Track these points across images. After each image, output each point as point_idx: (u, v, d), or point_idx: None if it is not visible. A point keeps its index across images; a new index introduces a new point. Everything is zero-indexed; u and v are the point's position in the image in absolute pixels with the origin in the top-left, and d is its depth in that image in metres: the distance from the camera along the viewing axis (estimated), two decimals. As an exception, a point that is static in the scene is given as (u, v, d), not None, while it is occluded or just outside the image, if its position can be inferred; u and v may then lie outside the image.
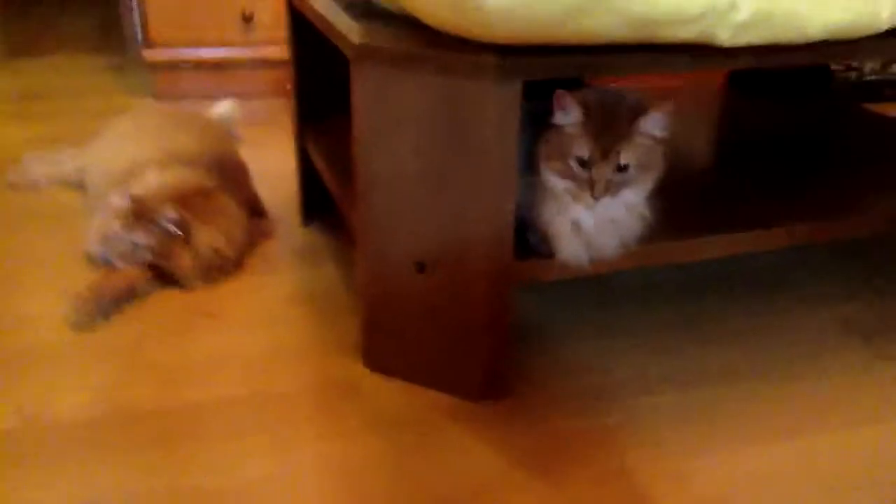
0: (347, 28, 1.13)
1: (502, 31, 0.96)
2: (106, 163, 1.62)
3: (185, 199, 1.47)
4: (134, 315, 1.41)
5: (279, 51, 2.49)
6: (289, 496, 1.04)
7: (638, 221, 1.15)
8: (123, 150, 1.61)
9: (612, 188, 1.06)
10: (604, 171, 1.05)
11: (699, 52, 1.06)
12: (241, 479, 1.06)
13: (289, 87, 2.46)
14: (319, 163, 1.56)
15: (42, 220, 1.72)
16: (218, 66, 2.50)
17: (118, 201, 1.45)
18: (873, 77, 2.59)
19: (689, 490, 1.06)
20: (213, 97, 2.49)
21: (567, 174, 1.08)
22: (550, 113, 1.09)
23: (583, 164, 1.07)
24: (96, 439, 1.12)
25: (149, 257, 1.46)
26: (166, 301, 1.46)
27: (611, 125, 1.06)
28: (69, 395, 1.20)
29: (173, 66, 2.47)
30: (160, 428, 1.15)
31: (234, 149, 1.73)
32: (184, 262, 1.47)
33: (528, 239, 1.18)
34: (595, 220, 1.13)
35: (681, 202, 1.31)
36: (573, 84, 1.12)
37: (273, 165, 1.98)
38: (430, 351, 1.22)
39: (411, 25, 1.11)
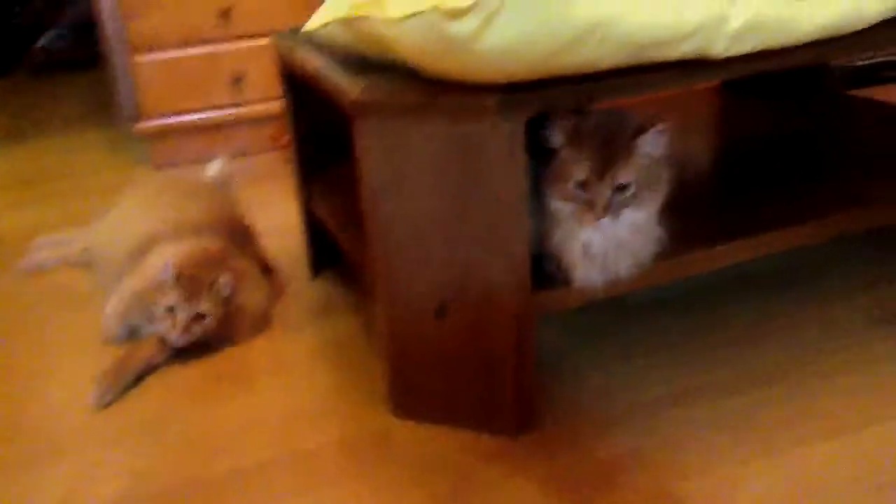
0: (345, 84, 1.14)
1: (497, 71, 0.97)
2: (114, 241, 1.63)
3: (215, 265, 1.48)
4: (156, 389, 1.41)
5: (270, 107, 2.52)
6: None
7: (650, 240, 1.15)
8: (131, 226, 1.62)
9: (612, 208, 1.07)
10: (602, 192, 1.06)
11: (694, 67, 1.06)
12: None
13: (281, 140, 2.50)
14: (325, 215, 1.57)
15: (55, 304, 1.72)
16: (211, 128, 2.52)
17: (161, 275, 1.44)
18: (863, 62, 2.61)
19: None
20: (210, 159, 2.52)
21: (569, 197, 1.09)
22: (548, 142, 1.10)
23: (582, 185, 1.07)
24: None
25: (213, 325, 1.46)
26: (185, 370, 1.45)
27: (607, 146, 1.07)
28: (107, 480, 1.19)
29: (167, 135, 2.49)
30: (204, 499, 1.14)
31: (238, 210, 1.74)
32: (241, 324, 1.50)
33: (544, 268, 1.18)
34: (604, 242, 1.13)
35: (689, 212, 1.31)
36: (577, 110, 1.13)
37: (276, 221, 1.99)
38: (458, 392, 1.22)
39: (408, 76, 1.11)
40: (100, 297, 1.68)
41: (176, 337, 1.43)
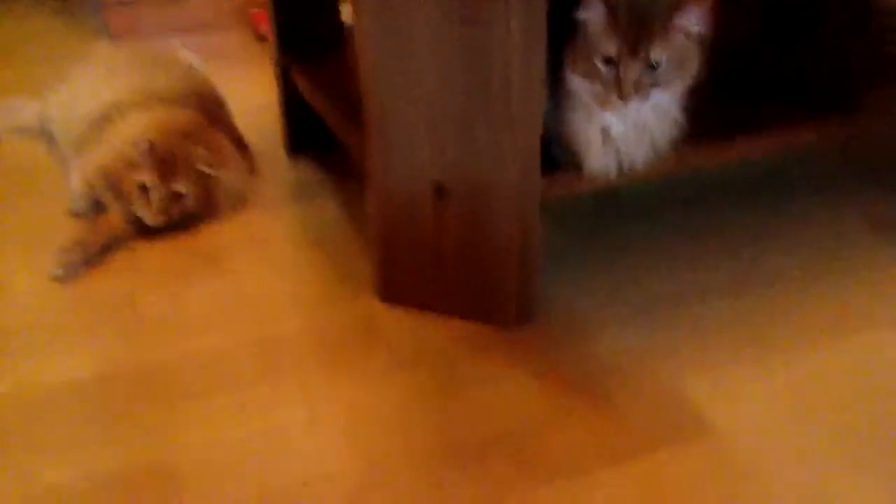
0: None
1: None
2: (77, 109, 1.49)
3: (190, 137, 1.37)
4: (126, 266, 1.31)
5: (238, -21, 2.36)
6: (321, 445, 0.97)
7: (670, 126, 1.08)
8: (95, 94, 1.48)
9: (641, 88, 0.99)
10: (633, 69, 0.98)
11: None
12: (265, 427, 0.99)
13: (253, 12, 2.34)
14: (310, 94, 1.46)
15: (10, 176, 1.59)
16: (175, -1, 2.35)
17: (130, 150, 1.33)
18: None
19: (741, 404, 1.01)
20: (172, 32, 2.36)
21: (593, 75, 1.00)
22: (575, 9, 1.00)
23: (609, 62, 0.98)
24: (95, 402, 1.03)
25: (190, 204, 1.37)
26: (158, 247, 1.36)
27: (641, 20, 0.98)
28: (63, 358, 1.11)
29: (126, 3, 2.31)
30: (170, 382, 1.06)
31: (210, 83, 1.61)
32: (220, 201, 1.41)
33: (552, 152, 1.10)
34: (626, 126, 1.05)
35: (705, 102, 1.24)
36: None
37: (247, 100, 1.86)
38: (453, 278, 1.15)
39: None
40: (57, 168, 1.57)
41: (153, 219, 1.33)
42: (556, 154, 1.10)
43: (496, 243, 1.10)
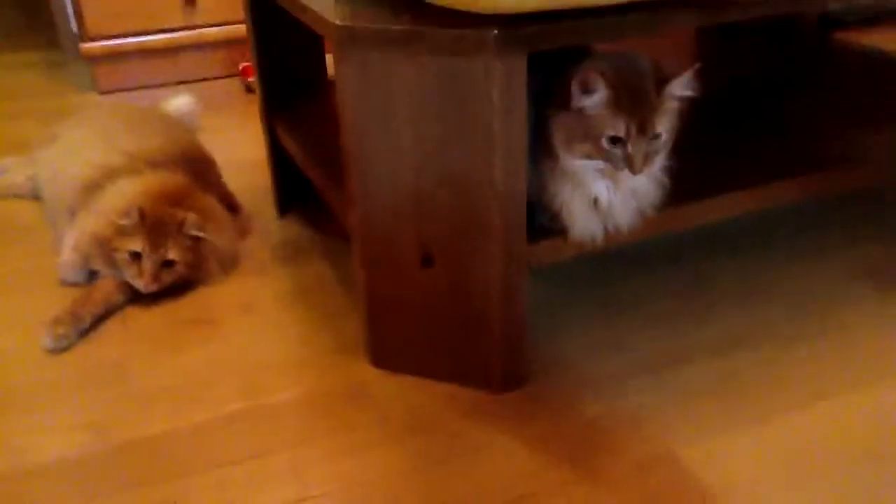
0: (325, 9, 1.04)
1: (497, 2, 0.88)
2: (66, 172, 1.50)
3: (180, 203, 1.38)
4: (117, 333, 1.31)
5: (226, 31, 2.38)
6: (318, 521, 0.97)
7: (657, 189, 1.09)
8: (85, 156, 1.49)
9: (648, 160, 1.00)
10: (642, 146, 0.99)
11: (709, 5, 0.99)
12: (262, 508, 0.99)
13: (241, 65, 2.36)
14: (294, 151, 1.47)
15: (2, 239, 1.59)
16: (162, 52, 2.36)
17: (121, 219, 1.33)
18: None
19: (735, 471, 1.01)
20: (160, 85, 2.37)
21: (598, 155, 1.00)
22: (562, 95, 1.00)
23: (616, 141, 0.99)
24: (90, 479, 1.03)
25: (182, 271, 1.37)
26: (146, 313, 1.36)
27: (640, 95, 0.98)
28: (57, 433, 1.11)
29: (115, 58, 2.33)
30: (162, 458, 1.06)
31: (198, 143, 1.62)
32: (213, 266, 1.41)
33: (537, 218, 1.11)
34: (616, 194, 1.06)
35: (685, 161, 1.25)
36: (577, 53, 1.05)
37: (237, 154, 1.88)
38: (441, 344, 1.15)
39: (394, 2, 1.01)
40: (48, 231, 1.57)
41: (144, 286, 1.33)
42: (541, 220, 1.11)
43: (483, 309, 1.10)
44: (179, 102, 1.96)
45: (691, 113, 1.05)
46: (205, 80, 2.44)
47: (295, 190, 1.65)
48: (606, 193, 1.06)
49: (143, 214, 1.32)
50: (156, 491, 1.01)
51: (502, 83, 0.96)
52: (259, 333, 1.30)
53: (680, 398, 1.13)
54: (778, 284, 1.38)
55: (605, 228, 1.09)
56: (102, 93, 2.35)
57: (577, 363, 1.21)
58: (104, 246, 1.35)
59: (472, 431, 1.09)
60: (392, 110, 1.01)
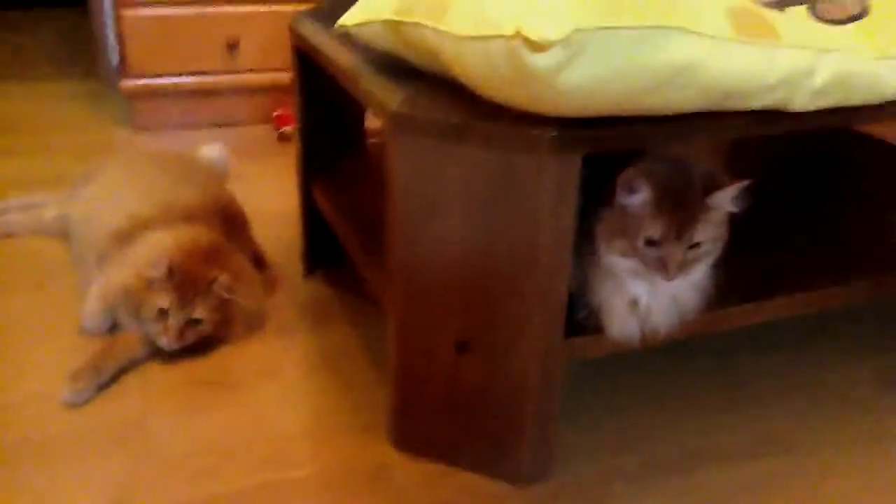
0: (384, 92, 1.03)
1: (571, 107, 0.88)
2: (95, 218, 1.50)
3: (211, 261, 1.37)
4: (138, 389, 1.29)
5: (264, 78, 2.40)
6: None
7: (699, 296, 1.07)
8: (118, 204, 1.49)
9: (684, 267, 0.99)
10: (678, 252, 0.97)
11: (770, 117, 0.98)
12: None
13: (276, 113, 2.38)
14: (330, 213, 1.46)
15: (24, 277, 1.59)
16: (201, 94, 2.38)
17: (151, 272, 1.32)
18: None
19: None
20: (195, 126, 2.38)
21: (633, 254, 0.99)
22: (609, 192, 1.00)
23: (652, 243, 0.98)
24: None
25: (208, 330, 1.36)
26: (167, 371, 1.34)
27: (683, 203, 0.98)
28: (72, 494, 1.09)
29: (154, 96, 2.34)
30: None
31: (231, 196, 1.62)
32: (239, 327, 1.40)
33: (575, 314, 1.09)
34: (655, 298, 1.05)
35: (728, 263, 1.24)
36: (629, 154, 1.04)
37: (267, 204, 1.88)
38: (468, 432, 1.13)
39: (453, 90, 1.01)
40: (73, 275, 1.57)
41: (168, 343, 1.32)
42: (580, 316, 1.09)
43: (514, 402, 1.08)
44: (213, 150, 1.97)
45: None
46: (239, 125, 2.45)
47: (324, 248, 1.64)
48: (646, 297, 1.04)
49: (171, 270, 1.31)
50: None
51: (554, 182, 0.95)
52: (280, 401, 1.29)
53: (704, 502, 1.11)
54: (813, 386, 1.35)
55: (643, 330, 1.08)
56: (138, 129, 2.36)
57: (605, 456, 1.19)
58: (131, 298, 1.34)
59: (495, 527, 1.06)
60: (441, 198, 1.01)
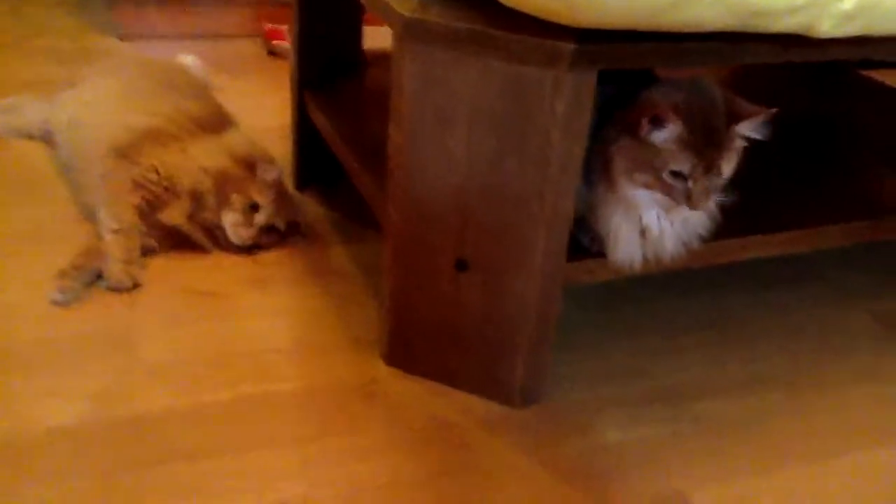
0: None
1: (593, 16, 0.84)
2: (92, 129, 1.44)
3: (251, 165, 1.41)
4: (120, 299, 1.26)
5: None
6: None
7: (708, 221, 1.06)
8: (114, 113, 1.43)
9: (708, 197, 0.97)
10: (705, 184, 0.96)
11: (791, 43, 0.95)
12: (263, 502, 0.95)
13: (266, 26, 2.30)
14: (326, 129, 1.43)
15: (11, 185, 1.53)
16: (187, 3, 2.29)
17: (264, 170, 1.39)
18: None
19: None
20: (180, 36, 2.31)
21: (658, 187, 0.97)
22: (630, 122, 0.97)
23: (678, 175, 0.96)
24: (88, 454, 0.99)
25: (275, 240, 1.42)
26: (158, 283, 1.31)
27: (711, 135, 0.95)
28: (59, 400, 1.06)
29: (138, 3, 2.26)
30: (164, 439, 1.02)
31: (224, 109, 1.57)
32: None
33: (578, 236, 1.08)
34: (669, 226, 1.04)
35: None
36: (642, 75, 1.01)
37: (256, 120, 1.82)
38: (463, 351, 1.12)
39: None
40: (60, 181, 1.52)
41: (244, 239, 1.37)
42: (584, 241, 1.08)
43: (512, 323, 1.07)
44: (187, 60, 1.90)
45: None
46: (227, 37, 2.37)
47: (316, 165, 1.60)
48: (657, 223, 1.03)
49: (280, 176, 1.41)
50: (161, 472, 0.97)
51: (569, 98, 0.92)
52: (269, 315, 1.26)
53: (699, 434, 1.11)
54: (808, 324, 1.36)
55: (647, 256, 1.06)
56: (124, 37, 2.28)
57: (595, 385, 1.18)
58: (228, 184, 1.36)
59: (488, 446, 1.06)
60: (449, 112, 0.97)
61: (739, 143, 0.97)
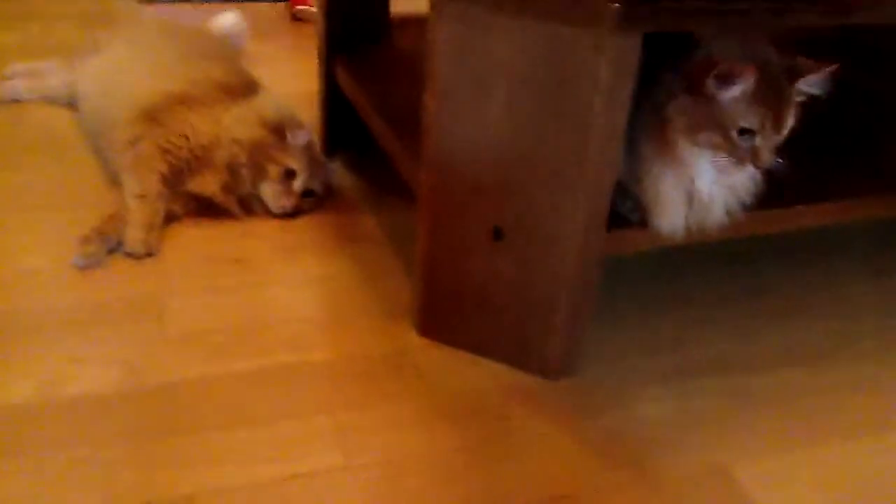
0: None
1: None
2: (119, 90, 1.42)
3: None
4: (150, 267, 1.25)
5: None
6: (358, 499, 0.92)
7: (754, 186, 1.03)
8: (140, 77, 1.42)
9: (773, 154, 0.95)
10: (773, 140, 0.94)
11: (831, 5, 0.92)
12: (296, 471, 0.94)
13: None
14: (356, 95, 1.40)
15: (36, 150, 1.52)
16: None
17: (298, 135, 1.38)
18: None
19: (792, 494, 0.97)
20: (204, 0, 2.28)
21: (723, 146, 0.95)
22: (690, 80, 0.94)
23: (746, 132, 0.93)
24: (120, 420, 0.98)
25: (313, 204, 1.42)
26: (190, 249, 1.30)
27: (777, 91, 0.93)
28: (89, 366, 1.05)
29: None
30: (195, 407, 1.01)
31: (250, 74, 1.55)
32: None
33: (619, 206, 1.04)
34: (719, 189, 1.01)
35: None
36: (681, 40, 0.98)
37: (282, 86, 1.79)
38: (497, 321, 1.10)
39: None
40: (83, 146, 1.50)
41: (284, 207, 1.37)
42: (623, 209, 1.05)
43: (549, 293, 1.05)
44: (226, 20, 1.88)
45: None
46: (251, 1, 2.34)
47: (345, 132, 1.58)
48: (708, 187, 1.00)
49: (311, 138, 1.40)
50: (188, 442, 0.96)
51: (613, 61, 0.89)
52: (300, 284, 1.25)
53: (735, 408, 1.09)
54: (844, 301, 1.33)
55: (691, 225, 1.03)
56: (146, 1, 2.25)
57: (631, 358, 1.16)
58: (262, 152, 1.35)
59: (522, 418, 1.04)
60: (486, 76, 0.94)
61: (798, 99, 0.94)
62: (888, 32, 1.74)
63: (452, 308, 1.12)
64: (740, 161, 0.94)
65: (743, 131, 0.93)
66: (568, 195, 0.97)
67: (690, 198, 1.00)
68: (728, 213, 1.04)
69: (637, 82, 0.94)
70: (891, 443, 1.06)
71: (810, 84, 0.94)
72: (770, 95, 0.92)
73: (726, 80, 0.91)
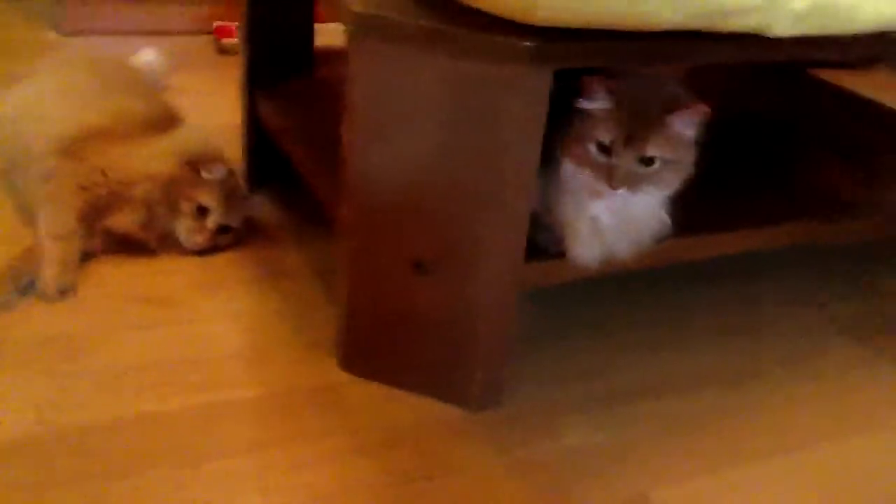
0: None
1: (549, 14, 0.83)
2: (36, 123, 1.39)
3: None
4: (64, 305, 1.22)
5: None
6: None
7: (656, 223, 1.06)
8: (59, 110, 1.38)
9: (632, 180, 0.97)
10: (625, 159, 0.96)
11: (750, 43, 0.95)
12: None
13: (216, 24, 2.26)
14: (277, 128, 1.40)
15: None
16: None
17: (209, 170, 1.34)
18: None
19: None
20: (128, 33, 2.25)
21: (585, 161, 0.98)
22: (574, 97, 0.97)
23: (603, 149, 0.96)
24: (30, 467, 0.94)
25: (230, 239, 1.40)
26: (106, 285, 1.27)
27: (640, 113, 0.96)
28: (7, 414, 1.02)
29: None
30: (111, 451, 0.98)
31: (172, 107, 1.53)
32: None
33: (536, 237, 1.06)
34: (613, 218, 1.03)
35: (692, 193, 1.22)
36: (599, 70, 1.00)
37: (206, 119, 1.78)
38: (420, 354, 1.10)
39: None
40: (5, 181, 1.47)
41: (198, 244, 1.34)
42: (540, 240, 1.06)
43: (469, 325, 1.05)
44: (147, 57, 1.86)
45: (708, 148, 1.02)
46: (176, 34, 2.32)
47: (269, 166, 1.57)
48: (605, 216, 1.02)
49: (230, 174, 1.38)
50: (109, 487, 0.93)
51: (526, 96, 0.91)
52: (221, 319, 1.23)
53: (659, 433, 1.11)
54: (759, 324, 1.36)
55: (604, 254, 1.05)
56: (66, 33, 2.21)
57: (553, 387, 1.17)
58: (174, 189, 1.33)
59: (447, 450, 1.04)
60: (403, 110, 0.96)
61: (676, 136, 0.97)
62: (806, 64, 1.83)
63: (375, 342, 1.12)
64: (598, 179, 0.97)
65: (600, 146, 0.96)
66: (486, 227, 0.99)
67: (594, 227, 1.03)
68: (637, 245, 1.06)
69: (550, 114, 0.96)
70: (812, 460, 1.09)
71: (682, 120, 0.96)
72: (631, 117, 0.95)
73: (590, 92, 0.96)
